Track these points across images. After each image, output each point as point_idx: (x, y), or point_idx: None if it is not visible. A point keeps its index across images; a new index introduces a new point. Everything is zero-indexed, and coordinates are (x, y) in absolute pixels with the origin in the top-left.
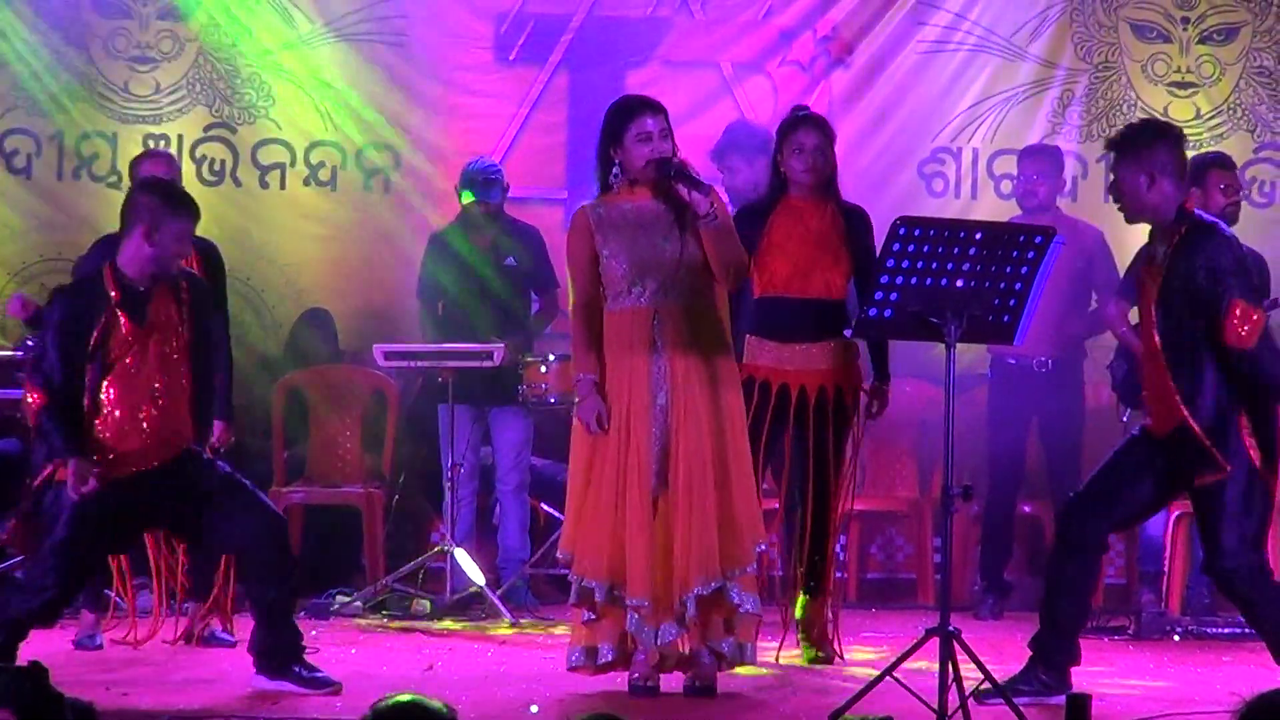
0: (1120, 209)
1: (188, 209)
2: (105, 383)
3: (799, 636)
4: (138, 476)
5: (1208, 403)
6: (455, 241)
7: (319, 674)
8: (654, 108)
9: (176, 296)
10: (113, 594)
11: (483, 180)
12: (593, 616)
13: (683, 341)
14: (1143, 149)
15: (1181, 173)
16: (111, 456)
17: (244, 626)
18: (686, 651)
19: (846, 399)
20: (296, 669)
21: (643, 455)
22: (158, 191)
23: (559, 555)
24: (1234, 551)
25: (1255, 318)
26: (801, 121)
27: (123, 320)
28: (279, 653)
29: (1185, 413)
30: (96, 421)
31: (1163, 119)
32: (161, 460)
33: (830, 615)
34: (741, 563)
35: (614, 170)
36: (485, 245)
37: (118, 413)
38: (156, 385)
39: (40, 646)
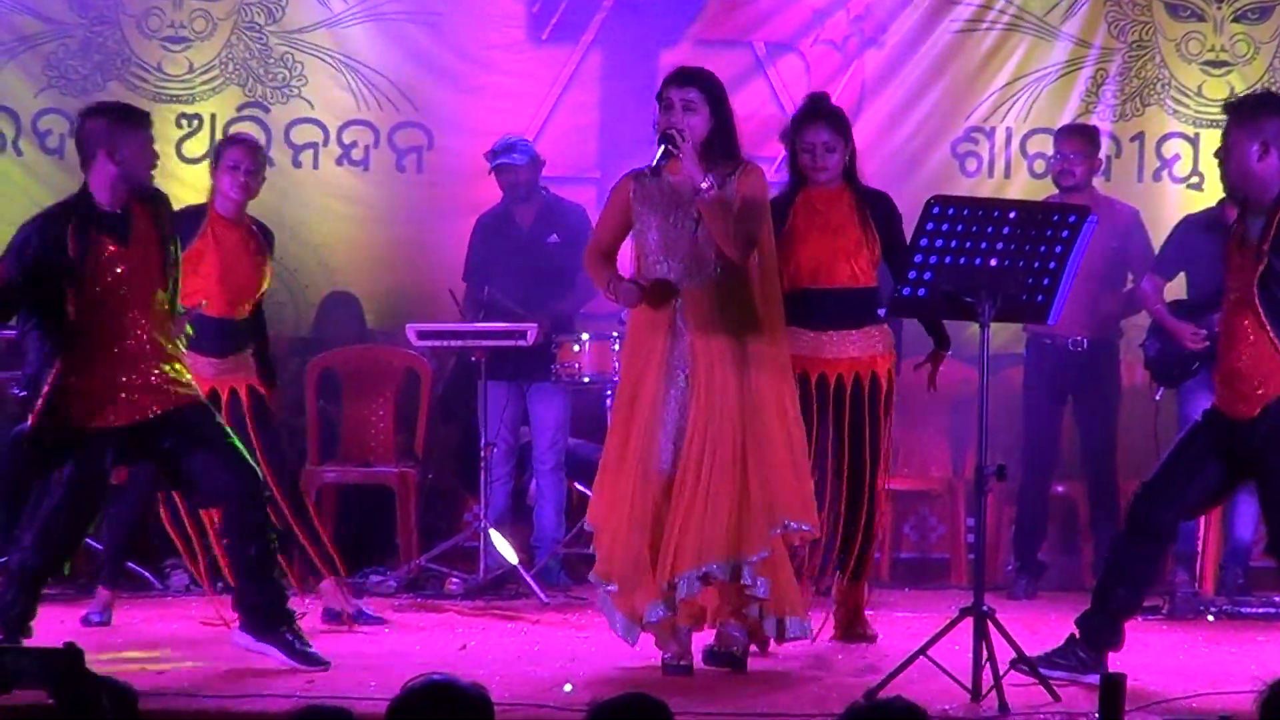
0: (1222, 176)
1: (142, 119)
2: (90, 315)
3: (835, 618)
4: (135, 425)
5: None
6: (499, 221)
7: (311, 650)
8: (681, 78)
9: (157, 223)
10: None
11: (502, 147)
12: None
13: (708, 323)
14: (1262, 117)
15: None
16: (107, 399)
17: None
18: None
19: (881, 383)
20: (288, 636)
21: (649, 434)
22: (106, 112)
23: (586, 527)
24: None
25: None
26: (808, 118)
27: (104, 240)
28: (263, 611)
29: None
30: (87, 363)
31: (1272, 91)
32: (163, 407)
33: (868, 595)
34: (756, 548)
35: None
36: (527, 222)
37: (107, 349)
38: (142, 320)
39: (56, 627)
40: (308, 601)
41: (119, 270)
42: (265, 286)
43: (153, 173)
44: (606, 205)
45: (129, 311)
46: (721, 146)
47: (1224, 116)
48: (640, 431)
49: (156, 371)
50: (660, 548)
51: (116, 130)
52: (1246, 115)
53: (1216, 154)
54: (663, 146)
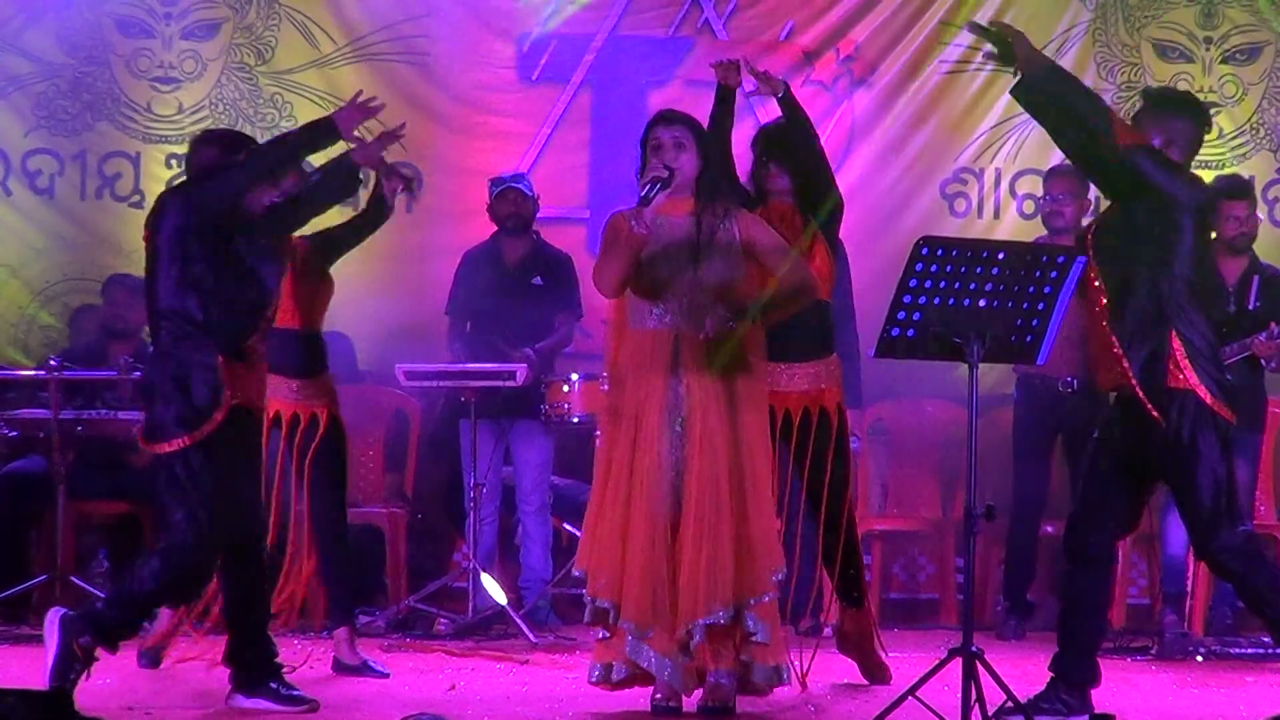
0: None
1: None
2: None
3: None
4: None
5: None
6: (486, 258)
7: (296, 692)
8: (669, 119)
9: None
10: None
11: (509, 176)
12: (606, 635)
13: (703, 364)
14: (1167, 112)
15: (1191, 152)
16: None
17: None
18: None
19: (831, 415)
20: (274, 685)
21: (652, 479)
22: (215, 141)
23: (575, 572)
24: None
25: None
26: (761, 135)
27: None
28: (253, 666)
29: (1124, 364)
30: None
31: (1196, 96)
32: (261, 409)
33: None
34: (757, 590)
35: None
36: (514, 263)
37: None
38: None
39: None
40: (297, 643)
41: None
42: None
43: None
44: (602, 241)
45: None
46: (708, 185)
47: (1213, 157)
48: (644, 475)
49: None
50: (674, 594)
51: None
52: (1157, 107)
53: None
54: (654, 186)
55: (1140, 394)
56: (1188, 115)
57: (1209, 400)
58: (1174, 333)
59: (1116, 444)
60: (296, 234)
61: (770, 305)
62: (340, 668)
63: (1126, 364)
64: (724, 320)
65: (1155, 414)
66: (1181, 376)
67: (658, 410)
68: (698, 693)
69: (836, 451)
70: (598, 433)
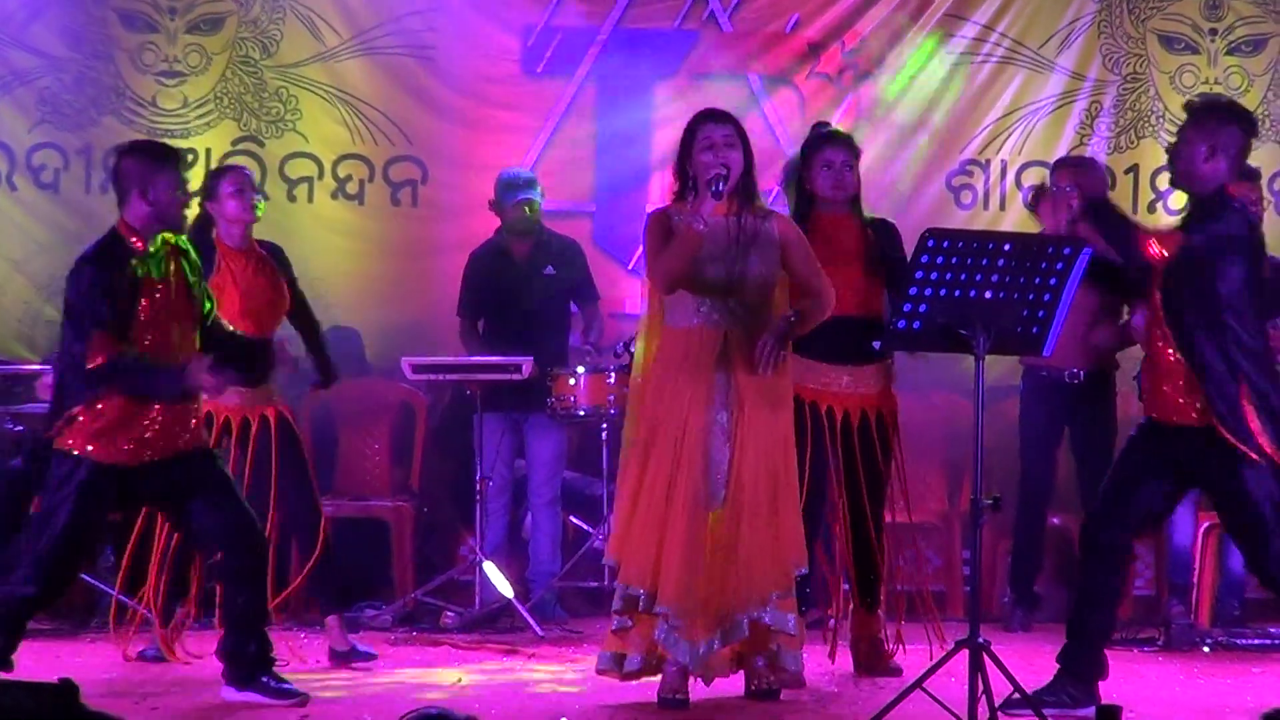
0: (1169, 170)
1: (175, 158)
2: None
3: (853, 652)
4: (142, 466)
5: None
6: (494, 255)
7: (286, 685)
8: (719, 117)
9: (188, 263)
10: (142, 606)
11: (523, 181)
12: (628, 623)
13: (748, 360)
14: (1216, 122)
15: (1239, 160)
16: (119, 441)
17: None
18: (729, 659)
19: (887, 420)
20: (265, 679)
21: (696, 472)
22: (139, 151)
23: (604, 562)
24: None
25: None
26: (828, 138)
27: (136, 282)
28: (246, 661)
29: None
30: (107, 400)
31: (1243, 106)
32: (165, 453)
33: (884, 630)
34: (783, 584)
35: (689, 183)
36: (524, 256)
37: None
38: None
39: (83, 661)
40: (304, 637)
41: (145, 311)
42: (289, 304)
43: (185, 212)
44: (650, 236)
45: (149, 353)
46: (748, 186)
47: (1255, 129)
48: (688, 468)
49: (169, 415)
50: (715, 586)
51: (149, 170)
52: (1202, 117)
53: (1168, 149)
54: (719, 182)
55: (1227, 435)
56: (1233, 123)
57: (1270, 451)
58: (1245, 387)
59: (1157, 448)
60: (250, 248)
61: (803, 318)
62: (334, 656)
63: (1205, 410)
64: (774, 352)
65: (1250, 453)
66: (1251, 425)
67: (704, 405)
68: (699, 686)
69: (885, 455)
70: (604, 426)
